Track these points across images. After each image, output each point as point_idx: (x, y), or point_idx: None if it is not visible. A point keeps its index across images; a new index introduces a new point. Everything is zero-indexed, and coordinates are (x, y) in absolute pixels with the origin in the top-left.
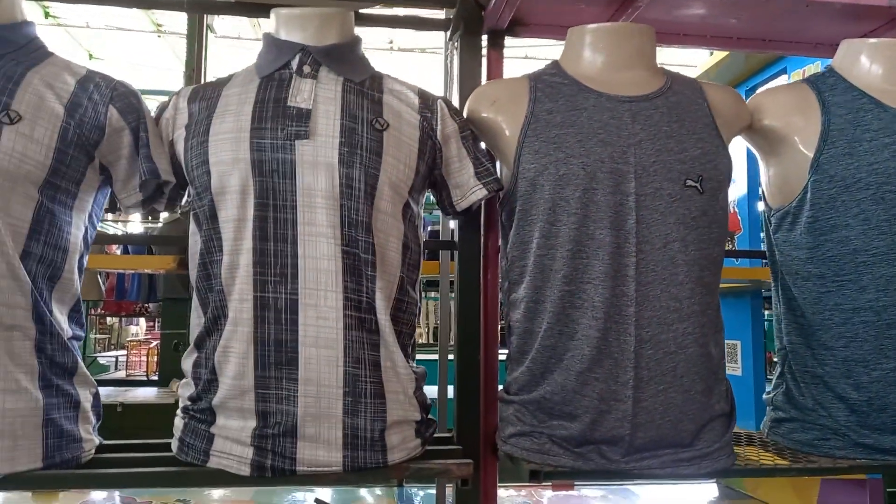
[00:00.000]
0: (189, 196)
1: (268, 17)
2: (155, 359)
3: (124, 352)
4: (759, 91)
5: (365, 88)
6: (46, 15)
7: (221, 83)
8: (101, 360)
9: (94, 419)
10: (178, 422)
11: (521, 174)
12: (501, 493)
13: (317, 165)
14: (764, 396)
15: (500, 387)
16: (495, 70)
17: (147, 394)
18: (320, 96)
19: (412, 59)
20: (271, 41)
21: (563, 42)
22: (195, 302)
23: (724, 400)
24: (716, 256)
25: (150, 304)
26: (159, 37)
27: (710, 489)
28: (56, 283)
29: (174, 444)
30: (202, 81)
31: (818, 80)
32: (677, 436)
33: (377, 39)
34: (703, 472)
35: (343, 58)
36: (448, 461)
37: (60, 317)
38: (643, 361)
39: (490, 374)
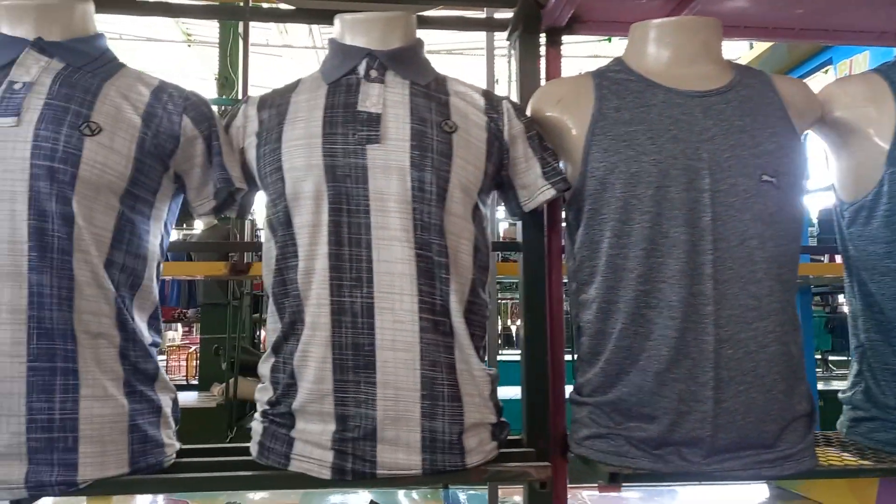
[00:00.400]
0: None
1: (323, 23)
2: (195, 363)
3: (163, 357)
4: (829, 82)
5: (431, 91)
6: None
7: (289, 90)
8: None
9: (174, 424)
10: (257, 426)
11: (590, 173)
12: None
13: (388, 169)
14: (840, 396)
15: (569, 388)
16: (553, 68)
17: (188, 398)
18: (389, 100)
19: (439, 60)
20: (337, 47)
21: (598, 38)
22: (271, 307)
23: (805, 400)
24: (793, 253)
25: (189, 310)
26: (189, 46)
27: (760, 489)
28: (137, 291)
29: (253, 447)
30: (237, 89)
31: (890, 70)
32: (759, 437)
33: None
34: (786, 474)
35: (408, 61)
36: (526, 464)
37: (141, 324)
38: (723, 361)
39: (558, 375)
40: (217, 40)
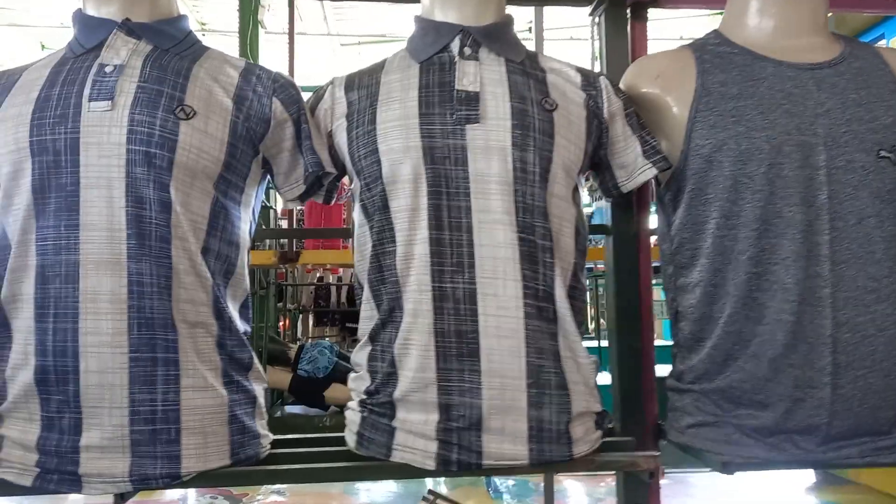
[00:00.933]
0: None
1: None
2: None
3: None
4: None
5: (527, 68)
6: None
7: (376, 70)
8: None
9: (266, 415)
10: (354, 416)
11: (693, 150)
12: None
13: (489, 150)
14: None
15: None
16: (639, 44)
17: None
18: (486, 78)
19: None
20: (427, 24)
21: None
22: (366, 295)
23: None
24: None
25: None
26: (203, 35)
27: (807, 474)
28: (230, 279)
29: (350, 437)
30: None
31: None
32: (875, 423)
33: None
34: None
35: (502, 37)
36: (634, 454)
37: (234, 313)
38: (840, 346)
39: (648, 363)
40: (232, 28)
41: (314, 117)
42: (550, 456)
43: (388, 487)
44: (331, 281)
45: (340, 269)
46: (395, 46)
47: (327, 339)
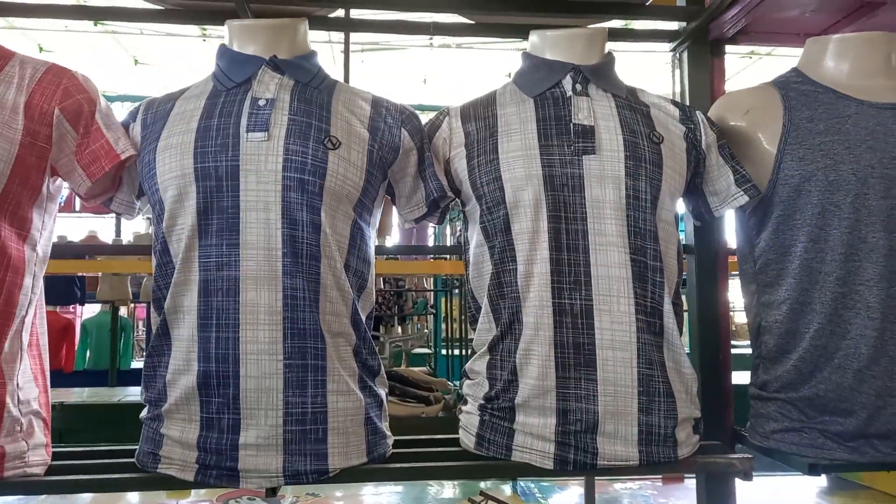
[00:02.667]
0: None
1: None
2: None
3: None
4: None
5: (632, 103)
6: (96, 23)
7: (489, 103)
8: None
9: (388, 417)
10: (472, 419)
11: (782, 180)
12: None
13: (604, 179)
14: None
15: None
16: (718, 78)
17: None
18: (598, 113)
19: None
20: (538, 61)
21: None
22: (485, 308)
23: None
24: None
25: None
26: (204, 41)
27: (819, 479)
28: (363, 293)
29: (468, 438)
30: None
31: None
32: None
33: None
34: None
35: (607, 74)
36: (731, 456)
37: (364, 324)
38: None
39: (727, 371)
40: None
41: (432, 145)
42: (658, 458)
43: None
44: None
45: None
46: (397, 55)
47: None
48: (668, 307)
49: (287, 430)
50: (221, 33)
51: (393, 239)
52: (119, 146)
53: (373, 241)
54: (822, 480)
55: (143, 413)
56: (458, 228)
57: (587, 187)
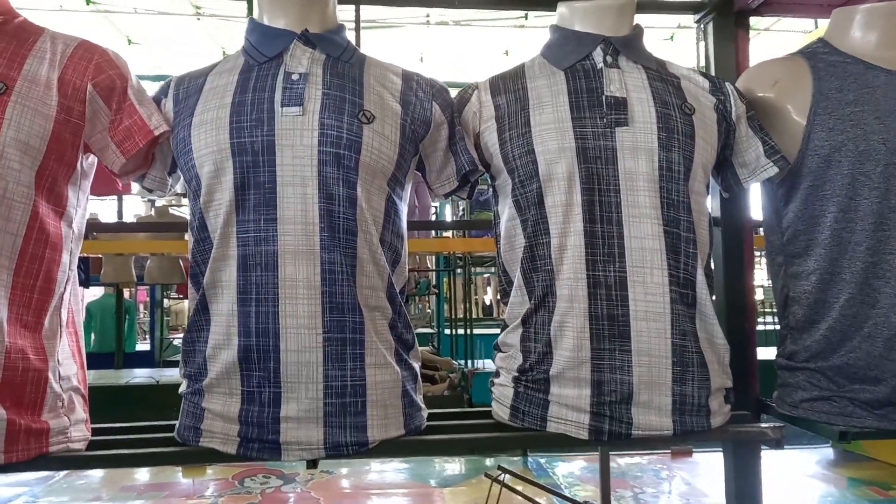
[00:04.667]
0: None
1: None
2: None
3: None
4: None
5: (663, 75)
6: (88, 2)
7: (518, 76)
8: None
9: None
10: (505, 391)
11: (812, 151)
12: (625, 460)
13: (637, 150)
14: None
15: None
16: (743, 50)
17: None
18: (629, 84)
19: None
20: (567, 33)
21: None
22: (517, 282)
23: None
24: None
25: None
26: (198, 20)
27: (825, 451)
28: (396, 268)
29: (502, 410)
30: None
31: None
32: None
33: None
34: None
35: (637, 46)
36: (763, 425)
37: (399, 298)
38: None
39: (752, 342)
40: (226, 14)
41: (461, 118)
42: (691, 427)
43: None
44: None
45: None
46: (394, 32)
47: None
48: (700, 278)
49: (327, 403)
50: (215, 11)
51: None
52: (153, 122)
53: (404, 216)
54: (828, 452)
55: (183, 388)
56: (461, 207)
57: (620, 159)
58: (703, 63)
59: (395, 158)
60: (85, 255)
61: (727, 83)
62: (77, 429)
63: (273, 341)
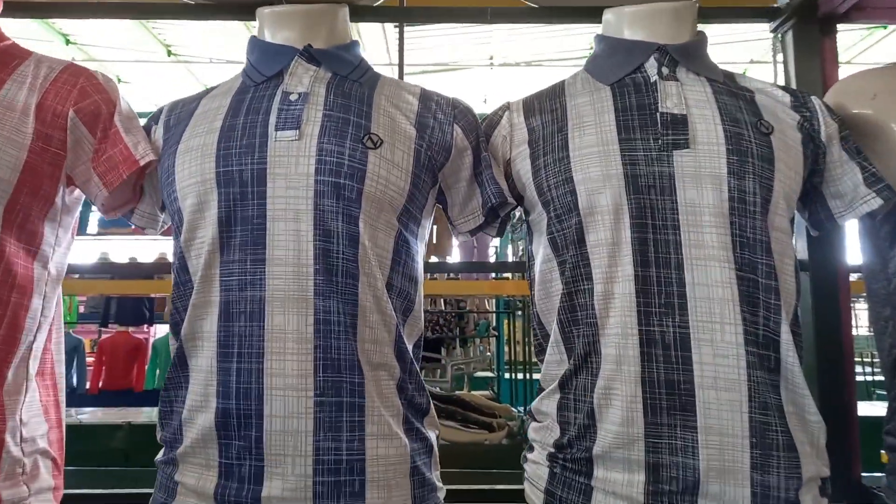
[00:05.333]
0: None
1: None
2: None
3: None
4: None
5: (732, 88)
6: (169, 53)
7: (556, 94)
8: None
9: (439, 465)
10: (539, 470)
11: None
12: None
13: (700, 178)
14: None
15: None
16: (830, 62)
17: None
18: (690, 99)
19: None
20: (614, 43)
21: None
22: (554, 337)
23: None
24: None
25: None
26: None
27: None
28: (408, 317)
29: (536, 495)
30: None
31: None
32: None
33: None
34: None
35: (699, 55)
36: None
37: (411, 353)
38: None
39: (853, 416)
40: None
41: (490, 144)
42: None
43: None
44: None
45: None
46: (460, 75)
47: None
48: (785, 336)
49: (318, 482)
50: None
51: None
52: (139, 151)
53: (421, 257)
54: None
55: (159, 455)
56: (521, 248)
57: (679, 188)
58: (781, 80)
59: (407, 189)
60: (150, 295)
61: (814, 97)
62: (40, 499)
63: (255, 405)
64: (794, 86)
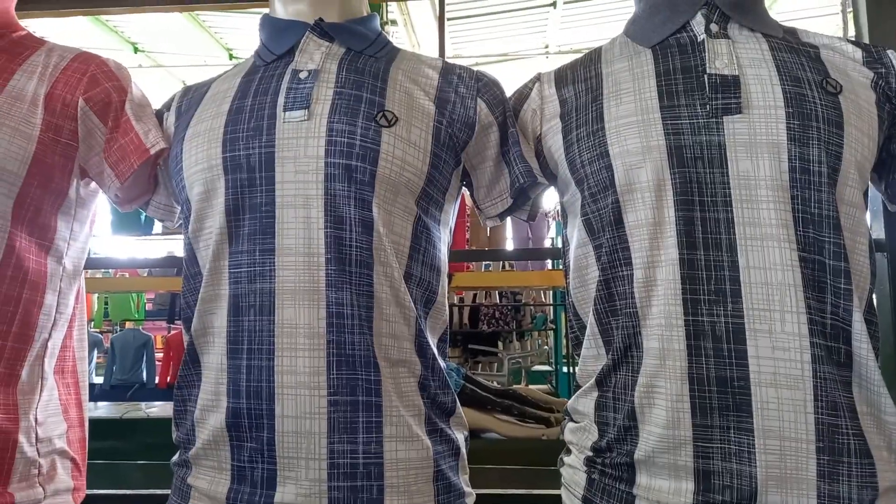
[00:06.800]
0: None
1: None
2: None
3: None
4: None
5: (794, 44)
6: (231, 56)
7: (592, 61)
8: None
9: (468, 468)
10: (576, 476)
11: None
12: None
13: (756, 146)
14: None
15: None
16: None
17: None
18: (743, 58)
19: None
20: (658, 1)
21: None
22: (590, 329)
23: None
24: None
25: None
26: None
27: None
28: (430, 309)
29: (571, 502)
30: None
31: None
32: None
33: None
34: None
35: (753, 9)
36: None
37: (435, 349)
38: None
39: None
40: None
41: (519, 120)
42: None
43: None
44: (454, 302)
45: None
46: (515, 65)
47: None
48: (858, 326)
49: (333, 487)
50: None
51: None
52: (149, 139)
53: (445, 244)
54: None
55: (174, 457)
56: None
57: (731, 159)
58: (853, 35)
59: (426, 170)
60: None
61: (890, 52)
62: (56, 500)
63: (267, 404)
64: (866, 40)
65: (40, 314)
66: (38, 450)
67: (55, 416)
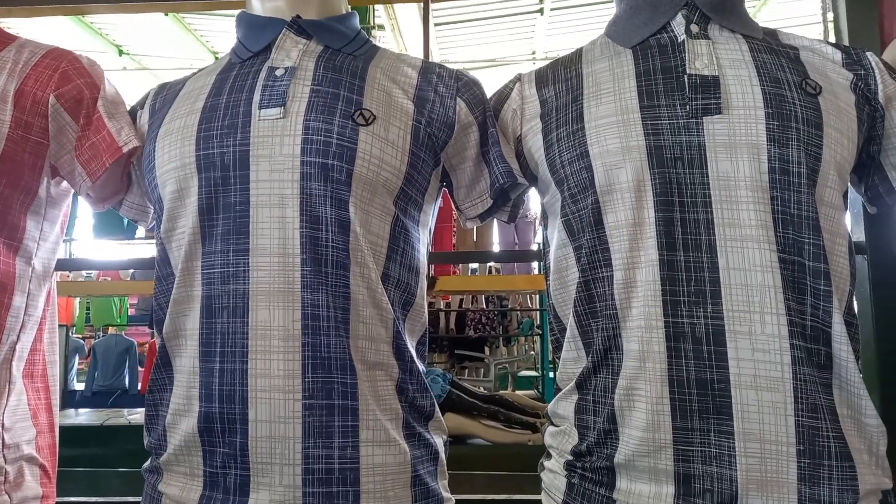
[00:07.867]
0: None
1: None
2: None
3: None
4: None
5: (773, 45)
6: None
7: (572, 61)
8: None
9: (447, 474)
10: (556, 480)
11: None
12: None
13: (735, 147)
14: None
15: None
16: (890, 17)
17: None
18: (723, 59)
19: None
20: (639, 1)
21: None
22: (571, 331)
23: None
24: None
25: None
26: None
27: None
28: (409, 311)
29: None
30: None
31: None
32: None
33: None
34: None
35: (734, 10)
36: None
37: (413, 351)
38: None
39: None
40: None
41: (500, 120)
42: None
43: None
44: (440, 307)
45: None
46: (504, 71)
47: (436, 366)
48: (838, 327)
49: (307, 493)
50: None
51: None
52: (122, 137)
53: (423, 245)
54: None
55: (145, 464)
56: None
57: (711, 160)
58: (832, 38)
59: (404, 170)
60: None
61: (869, 54)
62: None
63: (240, 408)
64: (846, 42)
65: (8, 316)
66: (4, 456)
67: (24, 422)
